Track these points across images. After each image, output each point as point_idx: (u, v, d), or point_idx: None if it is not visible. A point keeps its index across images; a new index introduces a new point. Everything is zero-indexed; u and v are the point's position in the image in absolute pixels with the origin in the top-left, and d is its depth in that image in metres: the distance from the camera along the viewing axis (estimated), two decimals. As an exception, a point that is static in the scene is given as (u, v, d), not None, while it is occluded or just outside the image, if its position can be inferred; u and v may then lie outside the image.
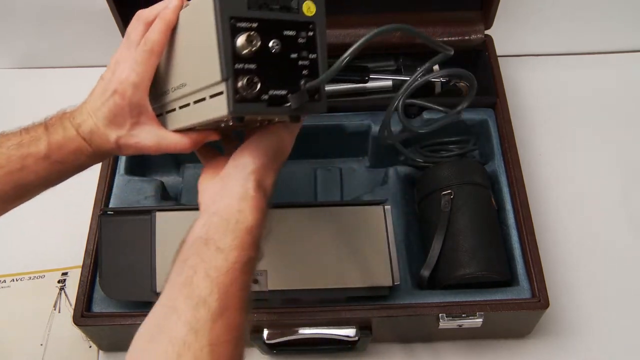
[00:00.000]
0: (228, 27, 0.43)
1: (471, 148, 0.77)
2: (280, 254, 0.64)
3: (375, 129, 0.79)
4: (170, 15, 0.50)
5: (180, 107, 0.52)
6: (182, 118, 0.52)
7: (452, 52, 0.51)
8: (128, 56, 0.51)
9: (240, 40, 0.43)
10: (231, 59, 0.43)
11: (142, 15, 0.51)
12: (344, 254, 0.64)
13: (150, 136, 0.52)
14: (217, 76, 0.44)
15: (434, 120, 0.77)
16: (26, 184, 0.53)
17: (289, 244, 0.64)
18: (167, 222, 0.63)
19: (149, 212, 0.64)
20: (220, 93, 0.44)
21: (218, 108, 0.45)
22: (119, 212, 0.65)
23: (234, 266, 0.44)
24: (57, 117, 0.54)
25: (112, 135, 0.52)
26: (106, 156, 0.55)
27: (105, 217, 0.64)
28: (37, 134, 0.52)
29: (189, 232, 0.48)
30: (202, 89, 0.47)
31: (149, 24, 0.51)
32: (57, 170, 0.53)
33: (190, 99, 0.49)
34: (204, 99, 0.47)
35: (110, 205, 0.74)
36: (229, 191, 0.48)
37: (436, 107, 0.75)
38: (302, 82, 0.46)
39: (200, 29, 0.45)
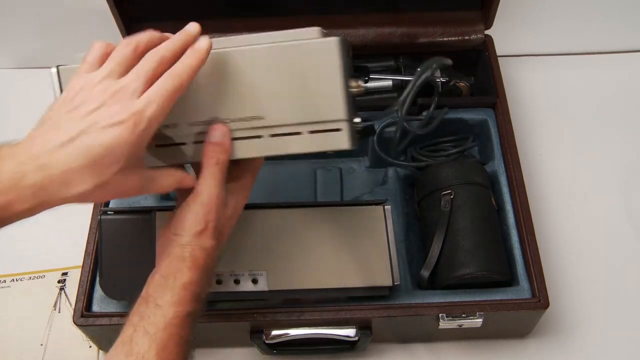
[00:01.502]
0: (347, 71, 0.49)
1: (470, 145, 0.77)
2: (280, 254, 0.64)
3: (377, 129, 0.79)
4: (205, 55, 0.47)
5: (246, 138, 0.52)
6: (248, 149, 0.52)
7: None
8: (128, 86, 0.44)
9: (354, 83, 0.50)
10: (351, 100, 0.50)
11: (138, 45, 0.47)
12: (344, 254, 0.64)
13: (136, 182, 0.47)
14: (340, 115, 0.50)
15: (432, 120, 0.77)
16: None
17: (288, 244, 0.64)
18: (167, 222, 0.63)
19: (149, 212, 0.64)
20: (338, 129, 0.50)
21: (332, 142, 0.50)
22: (119, 211, 0.65)
23: (172, 322, 0.46)
24: None
25: (84, 185, 0.43)
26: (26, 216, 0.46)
27: (105, 217, 0.64)
28: None
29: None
30: (302, 123, 0.51)
31: (140, 55, 0.46)
32: None
33: (270, 132, 0.51)
34: (299, 133, 0.51)
35: (110, 206, 0.74)
36: (169, 251, 0.49)
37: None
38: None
39: (310, 71, 0.49)
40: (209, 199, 0.50)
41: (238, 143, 0.52)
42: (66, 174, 0.42)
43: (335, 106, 0.49)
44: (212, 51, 0.48)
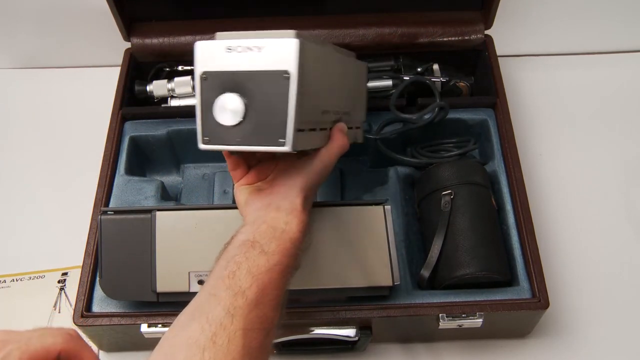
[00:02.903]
0: None
1: (471, 148, 0.77)
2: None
3: (377, 129, 0.79)
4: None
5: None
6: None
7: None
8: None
9: None
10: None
11: None
12: (344, 254, 0.64)
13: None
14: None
15: (425, 112, 0.76)
16: None
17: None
18: (167, 222, 0.63)
19: (149, 212, 0.64)
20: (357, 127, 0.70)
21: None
22: (119, 211, 0.65)
23: (274, 268, 0.49)
24: None
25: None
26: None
27: (105, 216, 0.64)
28: None
29: (235, 236, 0.52)
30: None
31: None
32: None
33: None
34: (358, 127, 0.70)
35: (110, 205, 0.74)
36: (278, 205, 0.53)
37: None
38: None
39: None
40: (325, 170, 0.57)
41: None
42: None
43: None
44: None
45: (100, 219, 0.64)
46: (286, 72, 0.49)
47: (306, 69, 0.49)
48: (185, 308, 0.48)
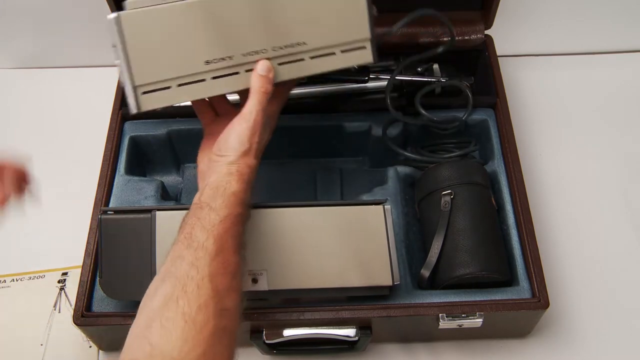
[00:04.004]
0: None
1: (472, 149, 0.77)
2: (280, 254, 0.64)
3: (376, 129, 0.79)
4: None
5: (291, 62, 0.60)
6: (291, 71, 0.61)
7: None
8: None
9: (374, 8, 0.61)
10: (373, 21, 0.62)
11: None
12: (344, 254, 0.64)
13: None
14: (366, 34, 0.62)
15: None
16: None
17: (289, 244, 0.64)
18: (167, 222, 0.63)
19: (149, 211, 0.64)
20: (362, 47, 0.62)
21: (359, 58, 0.62)
22: (119, 211, 0.65)
23: (226, 219, 0.53)
24: None
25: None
26: None
27: (106, 216, 0.64)
28: None
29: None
30: (337, 45, 0.61)
31: None
32: None
33: (311, 55, 0.61)
34: (333, 53, 0.61)
35: (110, 205, 0.74)
36: (216, 169, 0.57)
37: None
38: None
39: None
40: (254, 122, 0.58)
41: (283, 67, 0.60)
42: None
43: (361, 27, 0.61)
44: None
45: (100, 218, 0.64)
46: (114, 44, 0.56)
47: (136, 37, 0.56)
48: (155, 277, 0.51)
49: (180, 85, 0.58)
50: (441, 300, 0.67)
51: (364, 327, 0.67)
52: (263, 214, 0.64)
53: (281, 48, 0.60)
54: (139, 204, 0.75)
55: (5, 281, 0.80)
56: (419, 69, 0.83)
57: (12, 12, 0.92)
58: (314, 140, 0.81)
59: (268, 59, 0.59)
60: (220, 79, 0.59)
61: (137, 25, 0.56)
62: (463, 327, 0.67)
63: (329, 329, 0.66)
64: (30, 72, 1.01)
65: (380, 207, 0.66)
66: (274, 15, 0.58)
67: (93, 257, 0.69)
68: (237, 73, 0.59)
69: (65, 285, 0.79)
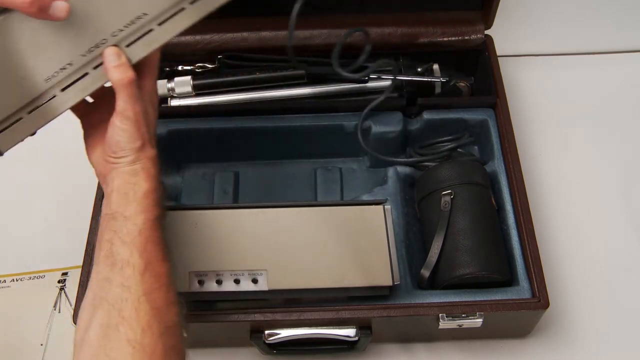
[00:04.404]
0: None
1: (466, 141, 0.77)
2: (280, 254, 0.64)
3: (376, 129, 0.79)
4: None
5: (141, 36, 0.52)
6: (146, 46, 0.53)
7: None
8: None
9: None
10: None
11: None
12: (344, 254, 0.64)
13: None
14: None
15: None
16: None
17: (289, 244, 0.64)
18: (167, 222, 0.63)
19: None
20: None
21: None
22: None
23: (144, 227, 0.49)
24: None
25: None
26: None
27: None
28: None
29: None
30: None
31: None
32: None
33: (158, 21, 0.52)
34: (183, 9, 0.52)
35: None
36: (118, 173, 0.52)
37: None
38: None
39: None
40: (135, 115, 0.52)
41: (134, 46, 0.52)
42: None
43: None
44: None
45: (100, 219, 0.64)
46: None
47: None
48: (84, 300, 0.49)
49: (31, 111, 0.53)
50: (441, 300, 0.67)
51: (364, 327, 0.67)
52: (262, 213, 0.64)
53: (121, 30, 0.51)
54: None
55: (5, 281, 0.80)
56: (419, 69, 0.83)
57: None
58: (314, 140, 0.81)
59: (113, 46, 0.52)
60: (71, 87, 0.53)
61: None
62: (463, 327, 0.67)
63: (329, 329, 0.66)
64: (30, 72, 1.01)
65: (380, 207, 0.67)
66: (95, 3, 0.50)
67: (93, 257, 0.69)
68: (86, 74, 0.52)
69: (65, 285, 0.79)
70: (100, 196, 0.74)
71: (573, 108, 0.93)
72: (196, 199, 0.82)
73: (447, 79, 0.82)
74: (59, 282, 0.79)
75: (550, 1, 0.92)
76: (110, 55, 0.51)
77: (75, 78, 0.52)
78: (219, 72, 0.84)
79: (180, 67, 0.85)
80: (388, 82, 0.81)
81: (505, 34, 0.87)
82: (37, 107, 0.53)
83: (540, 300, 0.66)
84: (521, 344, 0.74)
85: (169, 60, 0.85)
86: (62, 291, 0.79)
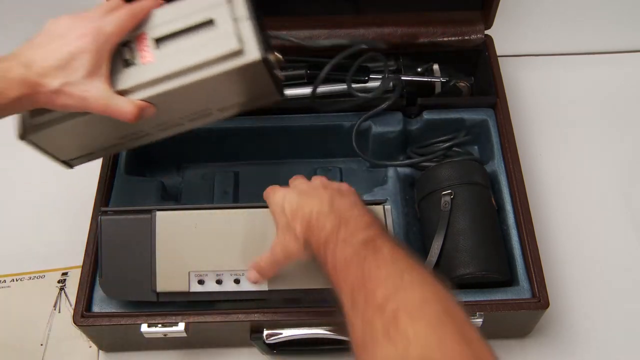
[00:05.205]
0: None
1: (462, 139, 0.77)
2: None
3: (377, 129, 0.79)
4: (153, 5, 0.58)
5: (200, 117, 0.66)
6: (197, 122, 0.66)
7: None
8: (101, 14, 0.56)
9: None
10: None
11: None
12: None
13: (99, 94, 0.54)
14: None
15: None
16: None
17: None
18: (167, 222, 0.63)
19: (149, 212, 0.64)
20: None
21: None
22: (118, 211, 0.65)
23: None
24: None
25: (58, 79, 0.52)
26: (27, 107, 0.55)
27: (106, 216, 0.64)
28: None
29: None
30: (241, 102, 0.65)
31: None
32: None
33: (217, 109, 0.65)
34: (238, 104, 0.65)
35: (110, 206, 0.74)
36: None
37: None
38: None
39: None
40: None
41: (195, 122, 0.66)
42: (43, 69, 0.52)
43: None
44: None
45: (100, 219, 0.64)
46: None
47: (47, 144, 0.63)
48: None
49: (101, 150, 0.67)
50: (441, 300, 0.67)
51: (364, 327, 0.67)
52: (263, 214, 0.64)
53: (187, 116, 0.64)
54: (139, 204, 0.75)
55: (5, 281, 0.80)
56: (419, 69, 0.83)
57: (13, 12, 0.92)
58: (313, 140, 0.81)
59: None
60: (138, 140, 0.67)
61: (44, 139, 0.61)
62: (463, 327, 0.67)
63: (329, 329, 0.66)
64: (30, 72, 1.01)
65: (381, 207, 0.66)
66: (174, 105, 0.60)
67: (93, 257, 0.69)
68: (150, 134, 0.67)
69: (65, 285, 0.79)
70: (100, 197, 0.74)
71: (573, 108, 0.93)
72: (196, 199, 0.82)
73: (447, 79, 0.82)
74: (58, 282, 0.79)
75: (550, 1, 0.92)
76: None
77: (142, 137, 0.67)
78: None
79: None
80: (388, 82, 0.81)
81: (505, 34, 0.87)
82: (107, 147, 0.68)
83: (540, 300, 0.66)
84: (521, 344, 0.74)
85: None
86: (62, 291, 0.79)
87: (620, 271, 0.78)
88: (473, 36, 0.84)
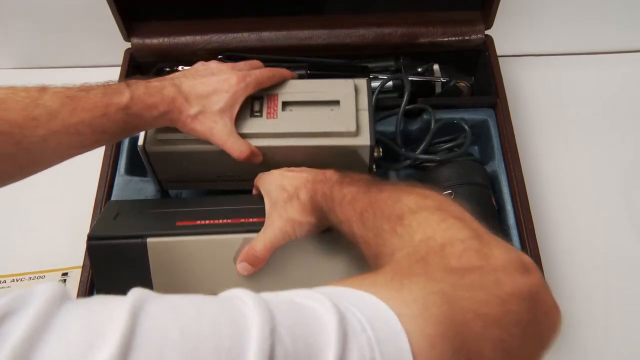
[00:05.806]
0: None
1: (462, 140, 0.77)
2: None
3: (376, 129, 0.79)
4: (286, 76, 0.68)
5: None
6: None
7: None
8: (246, 67, 0.66)
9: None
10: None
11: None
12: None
13: (224, 129, 0.61)
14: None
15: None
16: (104, 131, 0.56)
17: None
18: (160, 251, 0.59)
19: (139, 237, 0.59)
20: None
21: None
22: (107, 237, 0.59)
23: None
24: (133, 80, 0.59)
25: (197, 107, 0.60)
26: (165, 123, 0.60)
27: (93, 242, 0.59)
28: (120, 88, 0.57)
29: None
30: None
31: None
32: (131, 122, 0.57)
33: None
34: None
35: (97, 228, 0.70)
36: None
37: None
38: None
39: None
40: None
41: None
42: (190, 95, 0.60)
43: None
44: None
45: (88, 245, 0.59)
46: None
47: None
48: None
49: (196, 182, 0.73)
50: (441, 301, 0.66)
51: (364, 327, 0.67)
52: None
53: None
54: (139, 200, 0.74)
55: (5, 281, 0.80)
56: (419, 69, 0.83)
57: (12, 12, 0.92)
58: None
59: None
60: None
61: (159, 154, 0.68)
62: (463, 327, 0.67)
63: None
64: (30, 72, 1.01)
65: (381, 207, 0.66)
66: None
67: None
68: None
69: (65, 285, 0.79)
70: (100, 197, 0.74)
71: (573, 108, 0.93)
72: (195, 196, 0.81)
73: (447, 79, 0.82)
74: (58, 282, 0.79)
75: (550, 1, 0.92)
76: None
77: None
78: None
79: (180, 67, 0.85)
80: (388, 82, 0.81)
81: (505, 34, 0.87)
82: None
83: (540, 300, 0.66)
84: (521, 344, 0.74)
85: (169, 60, 0.85)
86: (62, 291, 0.79)
87: (620, 271, 0.78)
88: (473, 36, 0.84)
